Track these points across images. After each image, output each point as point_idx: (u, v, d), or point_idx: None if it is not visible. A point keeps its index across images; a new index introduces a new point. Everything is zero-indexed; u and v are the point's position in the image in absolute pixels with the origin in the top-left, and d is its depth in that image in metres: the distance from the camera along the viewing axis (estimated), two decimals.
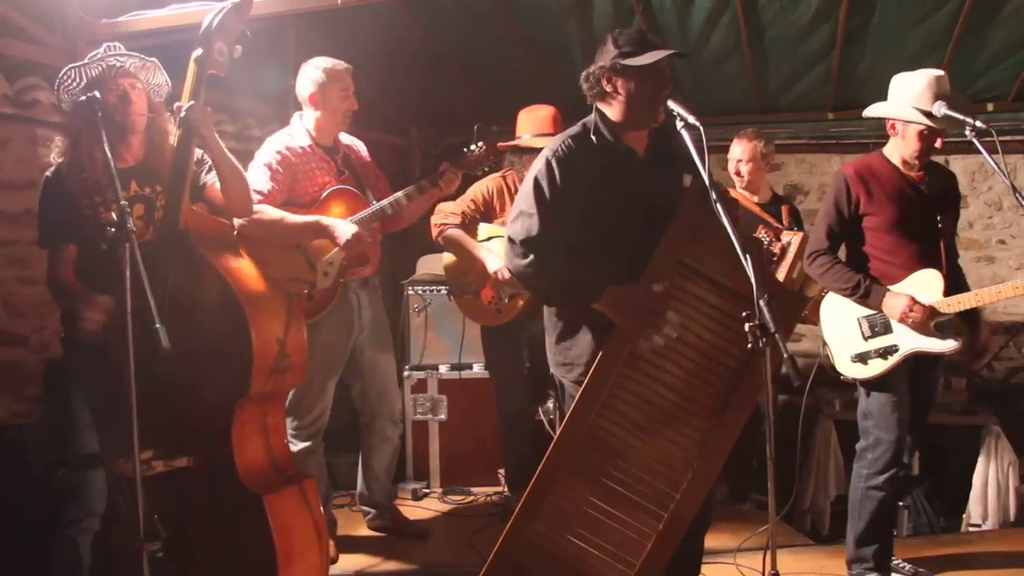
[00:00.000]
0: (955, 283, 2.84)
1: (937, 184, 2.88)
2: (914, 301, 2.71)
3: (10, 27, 3.30)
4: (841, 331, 2.90)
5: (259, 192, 3.00)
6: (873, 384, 2.84)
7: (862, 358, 2.84)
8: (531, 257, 2.23)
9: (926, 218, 2.82)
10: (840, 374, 2.93)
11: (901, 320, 2.73)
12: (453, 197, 3.51)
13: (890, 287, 2.78)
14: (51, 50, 3.42)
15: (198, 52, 2.33)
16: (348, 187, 3.18)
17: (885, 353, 2.80)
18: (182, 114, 2.33)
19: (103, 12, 3.50)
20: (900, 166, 2.84)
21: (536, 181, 2.27)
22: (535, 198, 2.25)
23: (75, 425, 2.46)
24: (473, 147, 3.26)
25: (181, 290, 2.24)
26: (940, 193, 2.87)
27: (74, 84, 2.42)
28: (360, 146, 3.44)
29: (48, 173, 2.49)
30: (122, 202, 2.04)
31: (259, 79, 4.13)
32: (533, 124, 3.53)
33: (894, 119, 2.80)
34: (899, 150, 2.83)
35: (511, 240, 2.28)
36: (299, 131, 3.18)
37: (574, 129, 2.35)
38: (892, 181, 2.82)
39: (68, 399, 2.46)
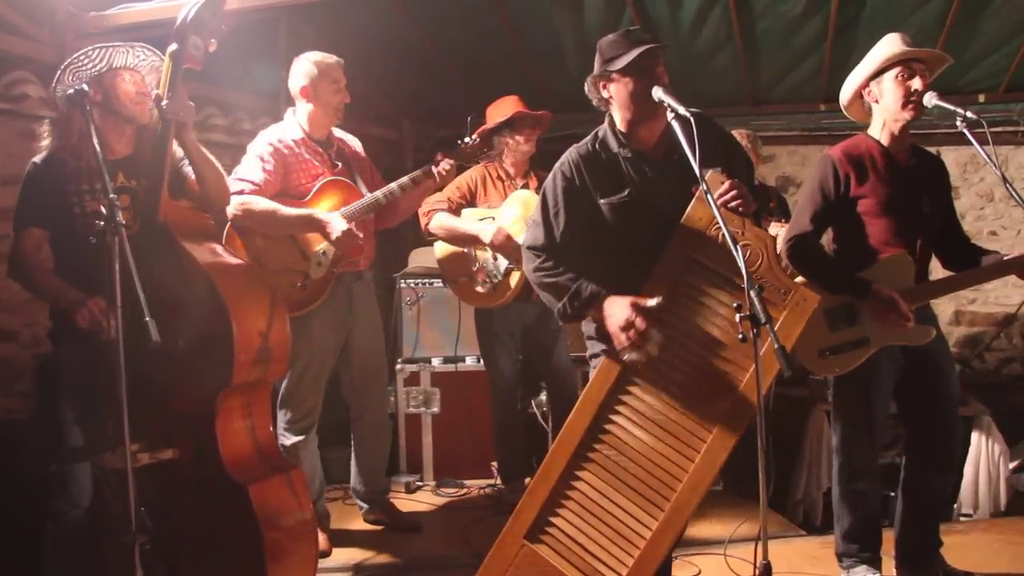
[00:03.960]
0: (968, 263, 2.73)
1: (924, 167, 2.76)
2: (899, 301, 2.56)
3: None
4: None
5: (252, 182, 3.04)
6: (847, 379, 2.68)
7: (830, 352, 2.65)
8: (537, 262, 2.36)
9: (913, 200, 2.69)
10: (810, 372, 2.74)
11: (881, 318, 2.58)
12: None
13: (860, 273, 2.65)
14: (39, 44, 3.40)
15: (173, 47, 2.35)
16: (341, 178, 3.20)
17: (857, 344, 2.64)
18: (163, 104, 2.33)
19: (91, 5, 3.48)
20: (887, 143, 2.70)
21: (544, 192, 2.40)
22: (542, 208, 2.39)
23: (62, 419, 2.45)
24: (467, 139, 3.31)
25: (162, 283, 2.24)
26: (927, 175, 2.75)
27: (91, 65, 2.42)
28: (354, 140, 3.46)
29: (36, 159, 2.50)
30: (111, 195, 2.04)
31: (250, 73, 4.11)
32: (500, 111, 3.64)
33: (867, 77, 2.67)
34: (885, 115, 2.68)
35: (524, 247, 2.42)
36: (292, 125, 3.21)
37: (585, 139, 2.43)
38: (881, 161, 2.68)
39: (56, 394, 2.46)
